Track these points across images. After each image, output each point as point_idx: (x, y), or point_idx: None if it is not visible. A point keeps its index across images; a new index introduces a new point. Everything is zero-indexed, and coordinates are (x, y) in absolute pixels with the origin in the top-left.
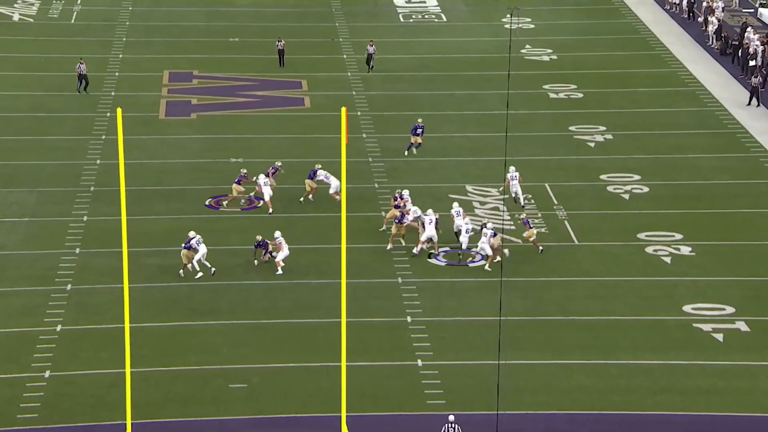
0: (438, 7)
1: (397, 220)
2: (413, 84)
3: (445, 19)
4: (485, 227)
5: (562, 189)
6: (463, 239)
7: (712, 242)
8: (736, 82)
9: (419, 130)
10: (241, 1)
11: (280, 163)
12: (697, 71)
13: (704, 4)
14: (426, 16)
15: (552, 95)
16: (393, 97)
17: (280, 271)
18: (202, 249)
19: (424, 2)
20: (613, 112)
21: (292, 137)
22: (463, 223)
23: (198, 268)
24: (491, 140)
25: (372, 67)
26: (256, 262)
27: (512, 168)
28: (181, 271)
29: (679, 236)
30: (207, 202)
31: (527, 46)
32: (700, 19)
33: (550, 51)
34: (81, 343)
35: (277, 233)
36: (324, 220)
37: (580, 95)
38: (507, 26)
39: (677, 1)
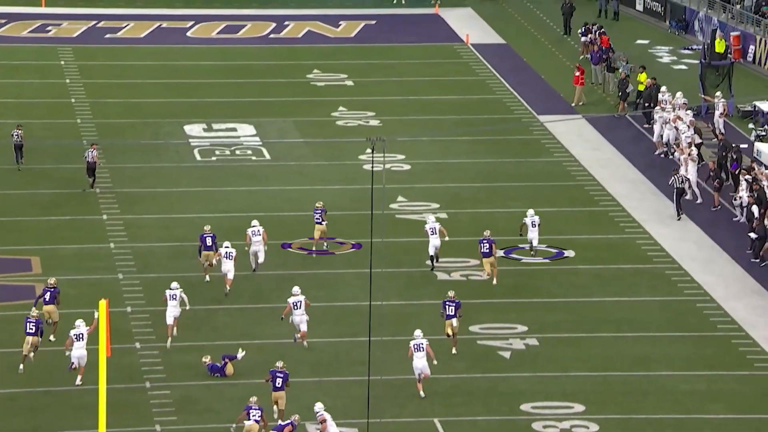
0: (257, 138)
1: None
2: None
3: (268, 157)
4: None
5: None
6: None
7: None
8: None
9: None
10: None
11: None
12: (666, 238)
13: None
14: (238, 153)
15: (443, 277)
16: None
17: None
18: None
19: (235, 130)
20: (537, 302)
21: (13, 352)
22: None
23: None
24: (350, 347)
25: (94, 185)
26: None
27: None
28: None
29: None
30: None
31: (400, 199)
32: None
33: (436, 206)
34: None
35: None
36: None
37: (484, 277)
38: (367, 167)
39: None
